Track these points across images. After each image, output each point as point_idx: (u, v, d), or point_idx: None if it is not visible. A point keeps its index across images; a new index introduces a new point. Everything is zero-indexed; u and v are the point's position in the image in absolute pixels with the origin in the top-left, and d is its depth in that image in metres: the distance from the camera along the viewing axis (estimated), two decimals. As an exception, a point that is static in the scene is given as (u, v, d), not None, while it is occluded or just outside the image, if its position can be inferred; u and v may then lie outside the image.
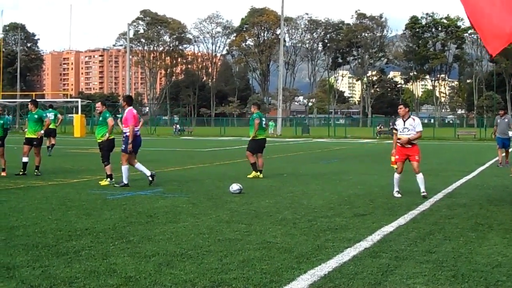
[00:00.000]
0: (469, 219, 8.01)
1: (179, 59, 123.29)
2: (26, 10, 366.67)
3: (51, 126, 19.53)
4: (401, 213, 8.42)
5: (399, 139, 10.32)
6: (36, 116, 13.90)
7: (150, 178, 11.73)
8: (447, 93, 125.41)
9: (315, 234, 6.81)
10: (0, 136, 13.83)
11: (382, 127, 54.32)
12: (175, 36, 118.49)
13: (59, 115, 23.26)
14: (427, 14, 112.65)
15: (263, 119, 14.37)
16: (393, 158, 10.60)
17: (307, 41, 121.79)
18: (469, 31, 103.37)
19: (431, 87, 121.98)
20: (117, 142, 12.24)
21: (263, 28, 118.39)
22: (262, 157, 14.02)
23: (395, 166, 10.50)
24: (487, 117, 70.57)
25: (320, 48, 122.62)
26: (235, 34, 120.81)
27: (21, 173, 13.46)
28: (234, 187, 10.51)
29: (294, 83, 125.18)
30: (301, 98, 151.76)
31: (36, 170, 13.69)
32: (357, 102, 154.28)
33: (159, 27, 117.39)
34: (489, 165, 18.45)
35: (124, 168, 11.62)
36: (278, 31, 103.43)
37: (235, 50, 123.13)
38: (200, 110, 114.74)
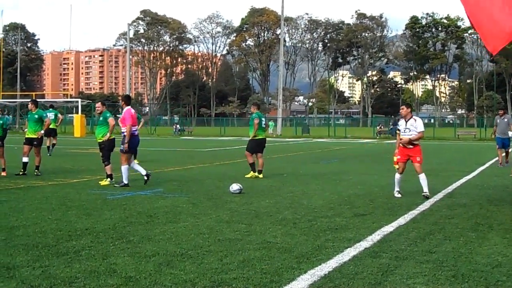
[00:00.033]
0: (469, 219, 8.01)
1: (179, 59, 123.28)
2: (26, 10, 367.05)
3: (51, 126, 19.54)
4: (401, 213, 8.42)
5: (401, 139, 10.33)
6: (36, 116, 13.90)
7: (146, 178, 11.77)
8: (447, 93, 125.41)
9: (315, 234, 6.81)
10: (0, 136, 13.82)
11: (382, 127, 54.33)
12: (175, 36, 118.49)
13: (59, 115, 23.26)
14: (427, 14, 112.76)
15: (263, 119, 14.36)
16: (395, 158, 10.59)
17: (307, 41, 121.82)
18: (469, 31, 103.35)
19: (431, 87, 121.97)
20: (117, 142, 12.26)
21: (263, 28, 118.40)
22: (262, 157, 14.02)
23: (397, 167, 10.50)
24: (487, 117, 70.56)
25: (320, 48, 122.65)
26: (235, 34, 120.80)
27: (21, 173, 13.47)
28: (234, 187, 10.51)
29: (294, 83, 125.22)
30: (301, 98, 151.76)
31: (36, 170, 13.69)
32: (357, 102, 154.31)
33: (159, 27, 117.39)
34: (489, 165, 18.45)
35: (124, 168, 11.62)
36: (278, 31, 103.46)
37: (235, 50, 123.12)
38: (200, 110, 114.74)
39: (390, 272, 5.13)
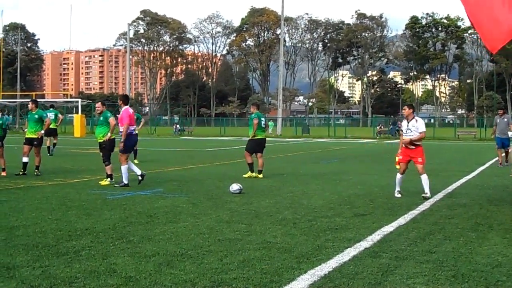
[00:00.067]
0: (469, 219, 8.01)
1: (179, 59, 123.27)
2: (26, 10, 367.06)
3: (51, 126, 19.55)
4: (401, 213, 8.42)
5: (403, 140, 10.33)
6: (36, 116, 13.90)
7: (140, 178, 11.77)
8: (447, 93, 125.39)
9: (315, 234, 6.81)
10: (0, 136, 13.83)
11: (382, 127, 54.33)
12: (175, 36, 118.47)
13: (59, 115, 23.26)
14: (427, 14, 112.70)
15: (262, 119, 14.33)
16: (397, 159, 10.59)
17: (307, 41, 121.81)
18: (469, 31, 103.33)
19: (431, 87, 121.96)
20: (117, 142, 12.25)
21: (263, 28, 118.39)
22: (262, 157, 14.02)
23: (398, 167, 10.50)
24: (487, 117, 70.56)
25: (320, 48, 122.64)
26: (235, 34, 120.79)
27: (21, 173, 13.47)
28: (234, 187, 10.51)
29: (294, 83, 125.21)
30: (301, 98, 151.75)
31: (36, 170, 13.69)
32: (357, 102, 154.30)
33: (159, 27, 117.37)
34: (489, 165, 18.45)
35: (124, 168, 11.62)
36: (278, 31, 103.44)
37: (235, 50, 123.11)
38: (200, 110, 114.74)
39: (390, 272, 5.13)
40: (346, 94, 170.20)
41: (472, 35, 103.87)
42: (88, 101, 71.25)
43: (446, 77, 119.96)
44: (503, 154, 18.19)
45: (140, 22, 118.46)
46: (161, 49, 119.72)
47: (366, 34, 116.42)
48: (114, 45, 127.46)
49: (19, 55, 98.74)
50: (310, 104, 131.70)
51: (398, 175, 10.40)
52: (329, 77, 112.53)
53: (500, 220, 7.89)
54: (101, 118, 12.38)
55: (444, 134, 48.66)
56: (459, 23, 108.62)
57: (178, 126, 59.15)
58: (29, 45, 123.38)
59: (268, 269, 5.19)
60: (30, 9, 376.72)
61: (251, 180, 13.05)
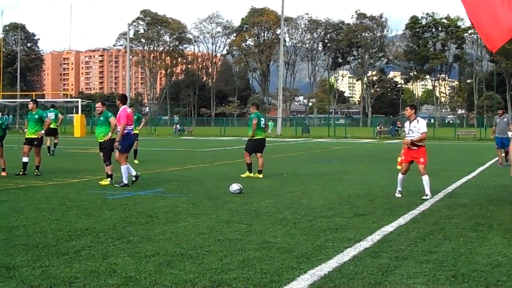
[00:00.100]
0: (469, 219, 8.01)
1: (179, 59, 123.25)
2: (26, 10, 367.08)
3: (52, 126, 19.58)
4: (401, 213, 8.42)
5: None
6: (36, 116, 13.90)
7: (134, 178, 11.74)
8: (447, 93, 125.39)
9: (315, 234, 6.81)
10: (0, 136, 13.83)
11: (382, 127, 54.32)
12: (175, 36, 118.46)
13: (59, 115, 23.27)
14: (427, 14, 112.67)
15: (262, 119, 14.31)
16: (399, 159, 10.58)
17: (307, 41, 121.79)
18: (469, 31, 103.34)
19: (431, 87, 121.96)
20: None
21: (263, 28, 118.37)
22: (262, 157, 14.01)
23: (399, 167, 10.50)
24: (487, 117, 70.55)
25: (320, 48, 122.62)
26: (235, 34, 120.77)
27: (21, 173, 13.47)
28: (234, 187, 10.51)
29: (294, 83, 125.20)
30: (301, 98, 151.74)
31: (36, 170, 13.69)
32: (357, 102, 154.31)
33: (159, 27, 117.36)
34: (489, 165, 18.46)
35: (124, 168, 11.62)
36: (278, 31, 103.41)
37: (235, 50, 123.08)
38: (200, 110, 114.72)
39: (390, 272, 5.13)
40: (346, 94, 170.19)
41: (472, 35, 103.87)
42: (88, 101, 71.24)
43: (446, 77, 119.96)
44: (503, 154, 18.19)
45: (140, 22, 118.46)
46: (161, 49, 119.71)
47: (366, 34, 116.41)
48: (114, 45, 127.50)
49: (19, 55, 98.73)
50: (310, 104, 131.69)
51: (400, 175, 10.40)
52: (329, 77, 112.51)
53: (500, 220, 7.89)
54: (101, 118, 12.38)
55: (444, 134, 48.66)
56: (459, 23, 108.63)
57: (178, 126, 59.15)
58: (29, 45, 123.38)
59: (268, 269, 5.19)
60: (30, 9, 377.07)
61: (251, 180, 13.05)
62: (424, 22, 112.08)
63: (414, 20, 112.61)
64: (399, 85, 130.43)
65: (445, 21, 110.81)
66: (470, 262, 5.53)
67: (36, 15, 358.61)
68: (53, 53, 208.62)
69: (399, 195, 10.24)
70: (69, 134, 47.32)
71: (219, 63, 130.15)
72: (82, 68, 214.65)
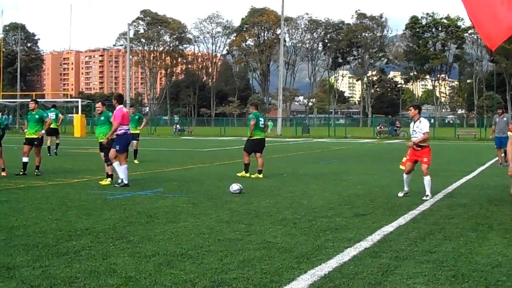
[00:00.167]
0: (469, 219, 8.01)
1: (179, 59, 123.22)
2: (26, 10, 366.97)
3: (52, 126, 19.61)
4: (401, 213, 8.42)
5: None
6: (37, 116, 13.91)
7: (120, 181, 11.56)
8: (447, 93, 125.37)
9: (315, 234, 6.82)
10: (-1, 136, 13.84)
11: (382, 127, 54.29)
12: (175, 36, 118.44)
13: (60, 115, 23.28)
14: (427, 14, 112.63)
15: (261, 119, 14.28)
16: (404, 159, 10.57)
17: (307, 41, 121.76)
18: (469, 31, 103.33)
19: (431, 87, 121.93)
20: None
21: (263, 28, 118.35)
22: (262, 157, 14.01)
23: (402, 168, 10.49)
24: (487, 117, 70.51)
25: (320, 48, 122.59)
26: (235, 34, 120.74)
27: (21, 173, 13.47)
28: (234, 187, 10.51)
29: (294, 83, 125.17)
30: (301, 98, 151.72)
31: (36, 170, 13.70)
32: (357, 102, 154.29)
33: (159, 27, 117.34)
34: (489, 165, 18.46)
35: (123, 168, 11.61)
36: (278, 31, 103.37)
37: (235, 50, 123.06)
38: (200, 110, 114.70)
39: (390, 272, 5.13)
40: (346, 94, 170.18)
41: (472, 35, 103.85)
42: (88, 101, 71.20)
43: (446, 77, 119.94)
44: (503, 154, 18.17)
45: (140, 22, 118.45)
46: (161, 49, 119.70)
47: (366, 34, 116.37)
48: (114, 45, 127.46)
49: (19, 55, 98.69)
50: (310, 104, 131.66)
51: (404, 175, 10.39)
52: (329, 77, 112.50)
53: (500, 220, 7.89)
54: (102, 118, 12.39)
55: (444, 134, 48.65)
56: (459, 23, 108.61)
57: (178, 126, 59.13)
58: (29, 45, 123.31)
59: (268, 269, 5.19)
60: (30, 9, 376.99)
61: (251, 180, 13.05)
62: (424, 22, 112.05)
63: (414, 20, 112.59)
64: (399, 85, 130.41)
65: (445, 21, 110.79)
66: (470, 262, 5.53)
67: (36, 15, 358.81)
68: (53, 53, 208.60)
69: (401, 194, 10.23)
70: (69, 134, 47.31)
71: (219, 63, 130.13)
72: (82, 68, 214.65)
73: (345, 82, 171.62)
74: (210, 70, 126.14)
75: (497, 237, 6.78)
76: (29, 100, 16.06)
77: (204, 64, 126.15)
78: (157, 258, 5.53)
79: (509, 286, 4.81)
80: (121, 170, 11.65)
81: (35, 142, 13.74)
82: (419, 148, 10.26)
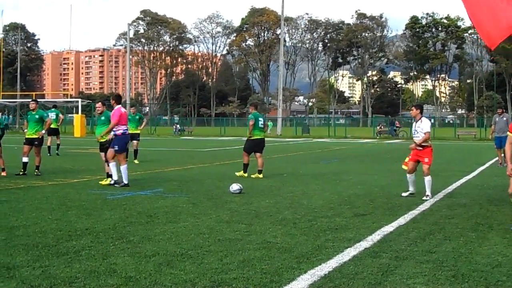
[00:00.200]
0: (469, 219, 8.01)
1: (179, 59, 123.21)
2: (26, 10, 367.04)
3: (53, 126, 19.64)
4: (401, 213, 8.42)
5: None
6: (37, 116, 13.91)
7: (112, 182, 11.61)
8: (447, 93, 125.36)
9: (315, 234, 6.82)
10: (-2, 136, 13.85)
11: (382, 127, 54.28)
12: (175, 36, 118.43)
13: (60, 115, 23.30)
14: (427, 14, 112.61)
15: (260, 119, 14.27)
16: (406, 159, 10.55)
17: (307, 41, 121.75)
18: (469, 31, 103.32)
19: (431, 87, 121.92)
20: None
21: (263, 28, 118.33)
22: (262, 157, 14.01)
23: (405, 167, 10.48)
24: (487, 117, 70.49)
25: (320, 48, 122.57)
26: (235, 34, 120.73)
27: (21, 173, 13.47)
28: (234, 187, 10.51)
29: (294, 83, 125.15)
30: (301, 98, 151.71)
31: (36, 170, 13.69)
32: (357, 102, 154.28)
33: (159, 27, 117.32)
34: (489, 165, 18.46)
35: (123, 168, 11.62)
36: (278, 31, 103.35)
37: (235, 50, 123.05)
38: (200, 110, 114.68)
39: (390, 272, 5.13)
40: (346, 94, 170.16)
41: (472, 35, 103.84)
42: (88, 101, 71.14)
43: (446, 77, 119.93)
44: (503, 154, 18.16)
45: (140, 22, 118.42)
46: (161, 49, 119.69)
47: (366, 34, 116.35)
48: (114, 45, 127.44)
49: (19, 55, 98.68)
50: (310, 104, 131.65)
51: (407, 175, 10.38)
52: (329, 77, 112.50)
53: (500, 220, 7.89)
54: (102, 118, 12.40)
55: (444, 134, 48.64)
56: (459, 23, 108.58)
57: (178, 126, 59.11)
58: (29, 45, 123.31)
59: (268, 269, 5.19)
60: (30, 9, 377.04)
61: (251, 180, 13.05)
62: (424, 22, 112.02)
63: (414, 20, 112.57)
64: (399, 85, 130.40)
65: (445, 21, 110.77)
66: (470, 262, 5.53)
67: (36, 15, 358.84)
68: (53, 53, 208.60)
69: (405, 194, 10.21)
70: (69, 134, 47.31)
71: (219, 63, 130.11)
72: (82, 68, 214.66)
73: (345, 82, 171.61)
74: (210, 70, 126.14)
75: (497, 237, 6.78)
76: (29, 100, 16.07)
77: (204, 64, 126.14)
78: (157, 258, 5.53)
79: (509, 286, 4.81)
80: (115, 170, 11.67)
81: (35, 142, 13.74)
82: (421, 148, 10.25)
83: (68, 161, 18.76)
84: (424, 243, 6.38)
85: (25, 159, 13.61)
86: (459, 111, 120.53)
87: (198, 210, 8.57)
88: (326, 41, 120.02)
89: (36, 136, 13.76)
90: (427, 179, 10.15)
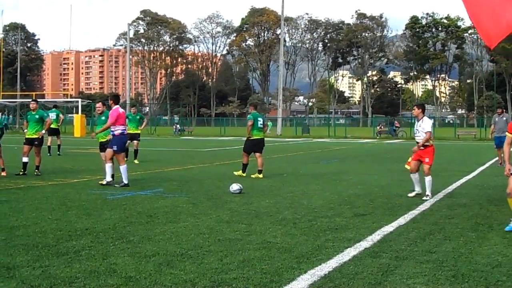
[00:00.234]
0: (469, 219, 8.01)
1: (179, 59, 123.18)
2: (26, 10, 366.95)
3: (53, 126, 19.63)
4: (401, 213, 8.42)
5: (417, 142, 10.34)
6: (37, 116, 13.91)
7: (104, 183, 11.61)
8: (447, 93, 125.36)
9: (315, 234, 6.82)
10: (-2, 136, 13.85)
11: (382, 127, 54.29)
12: (175, 36, 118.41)
13: (61, 115, 23.31)
14: (427, 14, 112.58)
15: (260, 119, 14.27)
16: (409, 159, 10.55)
17: (307, 41, 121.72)
18: (469, 31, 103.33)
19: (431, 87, 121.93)
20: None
21: (263, 28, 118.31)
22: (261, 157, 14.01)
23: (407, 167, 10.48)
24: (487, 117, 70.47)
25: (320, 48, 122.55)
26: (235, 34, 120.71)
27: (21, 173, 13.47)
28: (234, 187, 10.51)
29: (294, 83, 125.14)
30: (301, 98, 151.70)
31: (36, 170, 13.69)
32: (357, 102, 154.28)
33: (159, 27, 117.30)
34: (489, 165, 18.46)
35: (123, 168, 11.62)
36: (278, 31, 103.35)
37: (235, 50, 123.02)
38: (200, 110, 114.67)
39: (390, 272, 5.13)
40: (346, 94, 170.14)
41: (472, 35, 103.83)
42: (88, 101, 71.13)
43: (446, 77, 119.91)
44: (503, 154, 18.15)
45: (140, 22, 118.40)
46: (161, 49, 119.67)
47: (366, 34, 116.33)
48: (114, 45, 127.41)
49: (19, 55, 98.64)
50: (310, 104, 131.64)
51: (411, 175, 10.37)
52: (329, 77, 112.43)
53: (500, 220, 7.89)
54: (102, 118, 12.42)
55: (444, 134, 48.63)
56: (459, 23, 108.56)
57: (178, 126, 59.10)
58: (29, 45, 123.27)
59: (268, 269, 5.19)
60: (30, 9, 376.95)
61: (251, 180, 13.05)
62: (424, 22, 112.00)
63: (414, 20, 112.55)
64: (399, 85, 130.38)
65: (445, 21, 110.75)
66: (470, 262, 5.53)
67: (36, 15, 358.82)
68: (53, 53, 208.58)
69: (412, 195, 10.20)
70: (69, 134, 47.31)
71: (219, 63, 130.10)
72: (82, 68, 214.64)
73: (345, 82, 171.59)
74: (210, 70, 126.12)
75: (497, 237, 6.78)
76: (29, 100, 16.08)
77: (204, 64, 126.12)
78: (157, 258, 5.53)
79: (509, 286, 4.81)
80: (109, 172, 11.66)
81: (36, 142, 13.74)
82: (423, 148, 10.26)
83: (68, 161, 18.75)
84: (424, 243, 6.38)
85: (25, 159, 13.61)
86: (459, 111, 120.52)
87: (198, 210, 8.57)
88: (326, 41, 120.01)
89: (36, 136, 13.76)
90: (428, 179, 10.15)
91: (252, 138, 14.06)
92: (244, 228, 7.14)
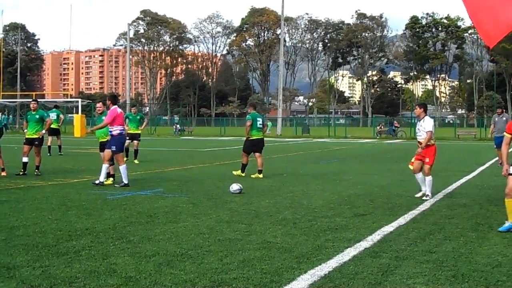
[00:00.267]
0: (469, 219, 8.01)
1: (179, 59, 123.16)
2: (26, 10, 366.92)
3: (54, 126, 19.63)
4: (401, 213, 8.42)
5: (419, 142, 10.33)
6: (37, 116, 13.92)
7: (97, 182, 11.61)
8: (447, 93, 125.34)
9: (315, 234, 6.82)
10: (-2, 136, 13.85)
11: (382, 127, 54.28)
12: (175, 36, 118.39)
13: (61, 115, 23.31)
14: (427, 14, 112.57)
15: (259, 119, 14.28)
16: (413, 159, 10.55)
17: (307, 41, 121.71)
18: (469, 31, 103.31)
19: (431, 87, 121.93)
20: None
21: (263, 28, 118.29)
22: (261, 157, 14.01)
23: (411, 167, 10.48)
24: (487, 117, 70.45)
25: (320, 48, 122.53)
26: (235, 34, 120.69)
27: (21, 173, 13.47)
28: (234, 187, 10.51)
29: (294, 83, 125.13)
30: (301, 98, 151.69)
31: (36, 170, 13.70)
32: (357, 102, 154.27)
33: (159, 27, 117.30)
34: (489, 165, 18.47)
35: (123, 168, 11.62)
36: (278, 31, 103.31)
37: (235, 50, 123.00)
38: (200, 110, 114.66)
39: (390, 272, 5.13)
40: (346, 94, 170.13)
41: (472, 35, 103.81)
42: (88, 101, 71.10)
43: (446, 77, 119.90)
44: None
45: (140, 22, 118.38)
46: (161, 49, 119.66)
47: (366, 34, 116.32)
48: (114, 45, 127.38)
49: (19, 55, 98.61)
50: (310, 104, 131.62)
51: (415, 175, 10.36)
52: (329, 77, 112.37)
53: (500, 220, 7.88)
54: (102, 118, 12.41)
55: (444, 134, 48.59)
56: (459, 23, 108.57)
57: (178, 126, 59.10)
58: (29, 45, 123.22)
59: (268, 269, 5.19)
60: (30, 9, 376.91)
61: (251, 180, 13.05)
62: (424, 22, 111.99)
63: (414, 20, 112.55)
64: (399, 85, 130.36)
65: (445, 21, 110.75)
66: (470, 262, 5.53)
67: (36, 15, 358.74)
68: (53, 53, 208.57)
69: (419, 195, 10.18)
70: (69, 134, 47.32)
71: (219, 63, 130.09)
72: (82, 68, 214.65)
73: (345, 82, 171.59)
74: (210, 70, 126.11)
75: (497, 237, 6.78)
76: (29, 100, 16.09)
77: (204, 64, 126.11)
78: (157, 258, 5.53)
79: (509, 286, 4.81)
80: (104, 172, 11.66)
81: (36, 142, 13.75)
82: (424, 147, 10.25)
83: (68, 161, 18.76)
84: (424, 243, 6.38)
85: (25, 159, 13.62)
86: (459, 111, 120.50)
87: (198, 210, 8.57)
88: (326, 41, 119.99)
89: (36, 136, 13.76)
90: (428, 179, 10.15)
91: (251, 138, 14.07)
92: (244, 228, 7.14)
